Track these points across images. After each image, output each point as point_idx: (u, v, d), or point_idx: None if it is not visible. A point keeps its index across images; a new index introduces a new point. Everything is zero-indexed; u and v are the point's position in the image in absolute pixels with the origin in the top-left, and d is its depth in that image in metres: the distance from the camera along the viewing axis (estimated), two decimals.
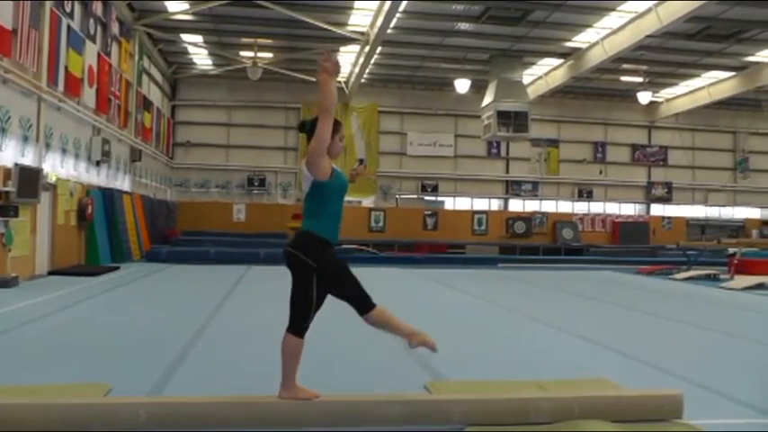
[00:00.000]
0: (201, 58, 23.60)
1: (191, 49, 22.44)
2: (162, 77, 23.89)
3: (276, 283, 12.42)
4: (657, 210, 29.88)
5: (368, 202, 27.30)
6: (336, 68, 3.54)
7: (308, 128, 3.80)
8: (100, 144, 15.24)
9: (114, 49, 16.88)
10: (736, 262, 16.03)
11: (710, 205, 30.56)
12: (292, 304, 3.74)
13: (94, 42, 14.97)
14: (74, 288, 10.22)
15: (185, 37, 21.09)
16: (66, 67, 12.91)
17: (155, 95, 22.32)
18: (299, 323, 3.72)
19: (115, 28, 16.84)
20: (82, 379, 4.37)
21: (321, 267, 3.65)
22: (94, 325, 7.06)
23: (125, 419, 3.33)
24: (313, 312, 3.75)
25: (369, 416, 3.53)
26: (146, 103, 20.35)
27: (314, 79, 24.54)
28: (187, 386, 4.34)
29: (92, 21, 14.85)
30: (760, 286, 13.17)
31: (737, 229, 29.53)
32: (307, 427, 3.43)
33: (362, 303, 3.78)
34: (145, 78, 20.56)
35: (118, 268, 13.80)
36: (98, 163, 15.56)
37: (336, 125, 3.77)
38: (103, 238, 15.05)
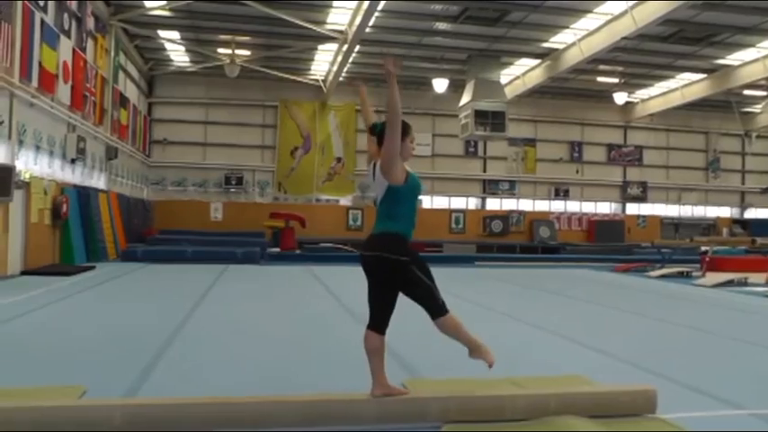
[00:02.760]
0: (179, 54, 23.40)
1: (168, 45, 22.23)
2: (138, 74, 23.64)
3: (253, 282, 12.43)
4: (633, 209, 30.26)
5: (345, 200, 27.28)
6: (398, 67, 3.62)
7: (378, 130, 3.86)
8: (75, 141, 15.05)
9: (90, 44, 16.69)
10: (707, 260, 16.31)
11: (684, 204, 31.03)
12: (375, 303, 3.82)
13: (69, 38, 14.78)
14: (48, 288, 10.09)
15: (162, 33, 20.88)
16: (39, 63, 12.73)
17: (131, 92, 22.09)
18: (381, 321, 3.78)
19: (90, 23, 16.64)
20: (56, 381, 4.33)
21: (414, 260, 3.73)
22: (69, 326, 6.99)
23: (100, 422, 3.29)
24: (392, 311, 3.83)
25: (346, 415, 3.54)
26: (122, 100, 20.13)
27: (292, 77, 24.52)
28: (164, 387, 4.31)
29: (66, 15, 14.67)
30: (730, 283, 13.43)
31: (709, 228, 30.04)
32: (283, 426, 3.43)
33: (437, 308, 3.74)
34: (121, 75, 20.34)
35: (93, 268, 13.65)
36: (73, 161, 15.37)
37: (406, 127, 3.80)
38: (78, 237, 14.88)
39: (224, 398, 3.61)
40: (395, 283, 3.73)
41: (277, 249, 21.00)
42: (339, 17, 18.45)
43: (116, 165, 19.78)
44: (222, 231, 23.01)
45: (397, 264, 3.67)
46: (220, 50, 22.12)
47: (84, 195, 15.50)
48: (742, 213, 31.64)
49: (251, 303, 9.15)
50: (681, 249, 20.12)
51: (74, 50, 14.94)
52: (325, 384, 4.44)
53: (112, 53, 18.77)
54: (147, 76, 24.87)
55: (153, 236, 21.08)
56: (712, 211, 31.39)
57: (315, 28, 18.68)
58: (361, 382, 3.85)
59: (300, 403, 3.55)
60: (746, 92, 25.82)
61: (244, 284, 11.97)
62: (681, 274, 15.76)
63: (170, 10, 18.46)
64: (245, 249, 17.82)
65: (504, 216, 27.88)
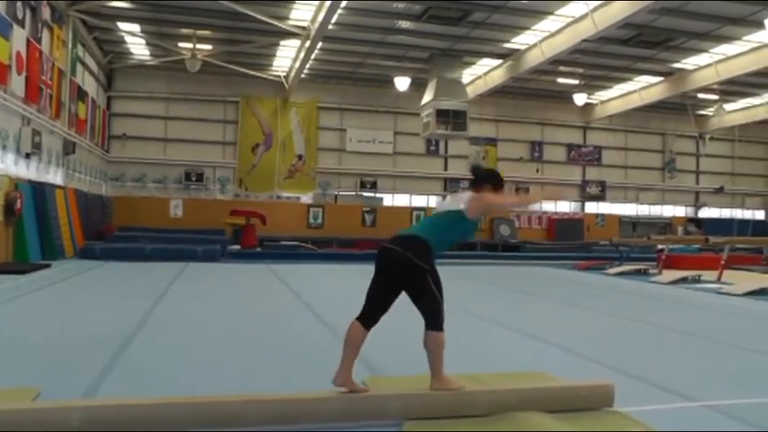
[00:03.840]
0: (139, 47, 22.99)
1: (127, 38, 21.82)
2: (97, 67, 23.15)
3: (214, 280, 12.30)
4: (592, 207, 30.78)
5: (306, 198, 27.16)
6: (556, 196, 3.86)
7: (480, 174, 3.99)
8: (30, 135, 14.66)
9: (45, 35, 16.26)
10: (663, 257, 16.70)
11: (641, 203, 31.73)
12: (374, 298, 3.96)
13: (23, 27, 14.35)
14: (0, 287, 9.83)
15: (122, 25, 20.48)
16: None
17: (90, 85, 21.61)
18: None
19: (46, 13, 16.23)
20: (7, 383, 4.18)
21: (432, 272, 3.83)
22: (22, 326, 6.78)
23: (57, 425, 3.18)
24: (381, 304, 3.97)
25: (306, 413, 3.53)
26: (80, 94, 19.68)
27: (254, 73, 24.31)
28: (123, 388, 4.21)
29: (19, 4, 14.20)
30: (684, 280, 13.76)
31: (665, 227, 30.74)
32: (245, 426, 3.40)
33: (435, 321, 3.84)
34: (79, 67, 19.88)
35: (49, 266, 13.31)
36: (28, 155, 14.96)
37: (502, 183, 4.02)
38: (33, 234, 14.51)
39: (185, 398, 3.56)
40: (407, 285, 3.83)
41: (238, 247, 20.81)
42: (302, 13, 18.37)
43: (74, 160, 19.35)
44: (182, 228, 22.68)
45: (418, 269, 3.76)
46: (181, 45, 21.81)
47: (40, 191, 15.12)
48: (696, 213, 32.47)
49: (211, 302, 9.06)
50: (638, 247, 20.59)
51: (28, 41, 14.54)
52: (286, 383, 4.43)
53: (70, 45, 18.34)
54: (106, 69, 24.38)
55: (112, 233, 20.70)
56: (668, 211, 32.16)
57: (277, 23, 18.55)
58: (322, 379, 3.84)
59: (262, 402, 3.53)
60: (700, 95, 26.53)
61: (204, 283, 11.84)
62: (638, 272, 16.09)
63: (130, 2, 18.14)
64: (206, 247, 17.62)
65: None
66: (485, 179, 3.98)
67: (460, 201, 3.94)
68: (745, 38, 19.38)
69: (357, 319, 3.91)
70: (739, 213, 32.71)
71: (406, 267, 3.79)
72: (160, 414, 3.34)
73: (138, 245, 17.66)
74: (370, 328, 3.91)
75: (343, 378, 3.72)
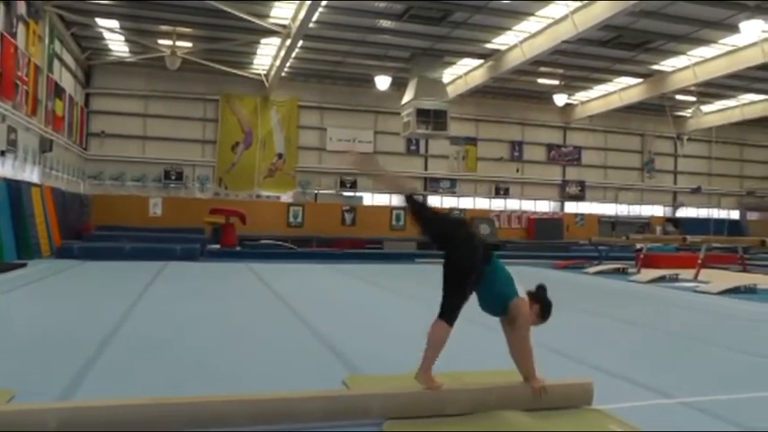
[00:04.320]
0: (118, 44, 22.74)
1: (106, 34, 21.57)
2: (75, 63, 22.86)
3: (193, 280, 12.22)
4: (571, 207, 31.02)
5: (286, 197, 27.05)
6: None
7: (542, 296, 4.13)
8: (5, 132, 14.44)
9: (21, 30, 16.03)
10: (642, 257, 16.87)
11: (620, 203, 32.04)
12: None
13: None
14: None
15: (100, 21, 20.23)
16: None
17: (67, 82, 21.34)
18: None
19: (22, 8, 15.99)
20: None
21: (478, 274, 4.04)
22: None
23: (33, 427, 3.14)
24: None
25: (288, 413, 3.51)
26: (57, 90, 19.43)
27: (234, 71, 24.18)
28: (100, 389, 4.16)
29: None
30: (662, 279, 13.90)
31: (644, 226, 31.07)
32: (226, 426, 3.38)
33: (450, 312, 4.02)
34: (56, 64, 19.62)
35: (24, 265, 13.12)
36: (3, 153, 14.74)
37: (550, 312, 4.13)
38: (8, 233, 14.30)
39: (164, 398, 3.53)
40: (454, 261, 4.07)
41: (217, 246, 20.69)
42: (282, 11, 18.29)
43: (51, 158, 19.09)
44: (161, 227, 22.53)
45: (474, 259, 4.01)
46: (161, 42, 21.62)
47: (16, 189, 14.90)
48: (674, 212, 32.87)
49: (191, 302, 8.99)
50: (617, 247, 20.78)
51: (2, 36, 14.32)
52: (267, 383, 4.41)
53: (47, 40, 18.09)
54: (84, 65, 24.09)
55: (90, 232, 20.48)
56: (647, 210, 32.53)
57: (258, 21, 18.46)
58: (303, 378, 3.83)
59: (243, 402, 3.50)
60: (678, 97, 26.85)
61: (183, 282, 11.75)
62: (617, 271, 16.21)
63: None
64: (185, 246, 17.49)
65: (446, 214, 28.10)
66: (540, 301, 4.09)
67: (522, 294, 4.03)
68: (721, 41, 19.65)
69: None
70: (715, 213, 33.14)
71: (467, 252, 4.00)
72: (138, 415, 3.30)
73: (117, 244, 17.49)
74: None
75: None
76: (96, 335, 5.99)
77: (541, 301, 4.05)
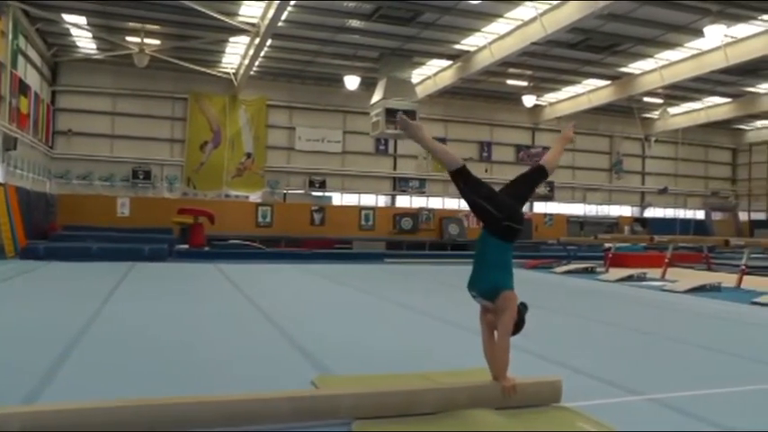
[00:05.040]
0: (85, 41, 22.35)
1: (73, 30, 21.17)
2: (41, 60, 22.41)
3: (161, 280, 12.08)
4: (540, 207, 31.29)
5: (255, 197, 26.85)
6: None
7: (519, 312, 4.09)
8: None
9: None
10: (610, 256, 17.11)
11: (589, 203, 32.45)
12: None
13: None
14: None
15: (67, 17, 19.84)
16: None
17: (32, 79, 20.90)
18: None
19: None
20: None
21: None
22: None
23: None
24: None
25: (256, 414, 3.49)
26: (22, 87, 19.01)
27: (203, 69, 23.96)
28: (68, 392, 4.09)
29: None
30: (630, 278, 14.09)
31: (612, 226, 31.49)
32: (194, 427, 3.34)
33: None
34: (21, 60, 19.20)
35: None
36: None
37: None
38: None
39: (130, 400, 3.49)
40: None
41: (186, 246, 20.48)
42: (251, 9, 18.16)
43: (15, 156, 18.67)
44: (129, 227, 22.21)
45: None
46: (129, 39, 21.31)
47: None
48: (642, 212, 33.41)
49: (158, 302, 8.89)
50: (586, 246, 21.04)
51: None
52: (235, 384, 4.38)
53: (10, 36, 17.68)
54: (50, 62, 23.63)
55: (56, 232, 20.09)
56: (615, 210, 32.99)
57: (226, 20, 18.31)
58: (272, 379, 3.81)
59: (211, 404, 3.46)
60: (646, 99, 27.27)
61: (151, 283, 11.61)
62: (586, 270, 16.37)
63: None
64: (153, 246, 17.27)
65: (414, 214, 28.25)
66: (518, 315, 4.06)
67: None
68: (686, 45, 20.02)
69: None
70: (682, 213, 33.78)
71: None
72: (103, 417, 3.25)
73: (84, 244, 17.19)
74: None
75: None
76: (63, 336, 5.89)
77: (518, 316, 4.04)
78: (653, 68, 22.49)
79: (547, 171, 4.38)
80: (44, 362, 4.90)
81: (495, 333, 4.03)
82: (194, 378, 4.61)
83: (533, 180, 4.35)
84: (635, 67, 22.85)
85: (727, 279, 12.88)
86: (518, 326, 4.04)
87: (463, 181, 4.08)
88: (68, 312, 7.48)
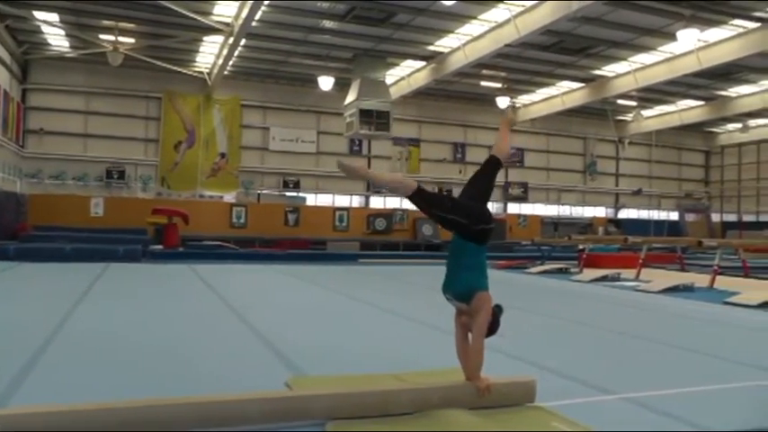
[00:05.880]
0: (57, 38, 21.98)
1: (45, 28, 20.81)
2: (11, 57, 22.00)
3: (135, 281, 11.94)
4: (514, 208, 31.47)
5: (229, 197, 26.66)
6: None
7: (494, 313, 4.10)
8: None
9: None
10: (584, 257, 17.25)
11: (563, 204, 32.72)
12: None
13: None
14: None
15: (38, 14, 19.47)
16: None
17: (2, 77, 20.54)
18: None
19: None
20: None
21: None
22: None
23: None
24: None
25: (229, 416, 3.46)
26: None
27: (177, 69, 23.76)
28: (39, 395, 4.03)
29: None
30: (604, 278, 14.23)
31: (586, 227, 31.75)
32: (166, 428, 3.30)
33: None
34: None
35: None
36: None
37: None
38: None
39: (101, 403, 3.43)
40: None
41: (160, 247, 20.27)
42: (225, 9, 18.03)
43: None
44: (103, 228, 21.91)
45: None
46: (103, 37, 21.01)
47: None
48: (616, 213, 33.76)
49: (133, 304, 8.79)
50: (560, 247, 21.20)
51: None
52: (209, 386, 4.33)
53: None
54: (20, 60, 23.21)
55: (27, 232, 19.77)
56: (589, 211, 33.29)
57: (200, 19, 18.16)
58: (246, 380, 3.78)
59: (183, 405, 3.43)
60: (620, 101, 27.58)
61: (125, 284, 11.48)
62: (560, 271, 16.51)
63: None
64: (127, 247, 17.09)
65: (388, 214, 28.26)
66: (492, 316, 4.08)
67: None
68: (660, 48, 20.27)
69: None
70: (656, 214, 34.19)
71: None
72: (74, 420, 3.21)
73: (57, 245, 16.94)
74: None
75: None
76: (34, 338, 5.80)
77: (493, 317, 4.04)
78: (627, 71, 22.74)
79: (500, 160, 4.36)
80: (15, 364, 4.82)
81: (470, 335, 4.03)
82: (167, 380, 4.56)
83: (490, 173, 4.33)
84: (609, 69, 23.09)
85: (700, 279, 13.08)
86: (492, 327, 4.04)
87: (424, 201, 4.06)
88: (40, 314, 7.37)
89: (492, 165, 4.34)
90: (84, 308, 8.07)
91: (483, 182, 4.31)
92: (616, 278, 14.28)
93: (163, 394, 3.77)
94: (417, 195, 3.99)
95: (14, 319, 7.06)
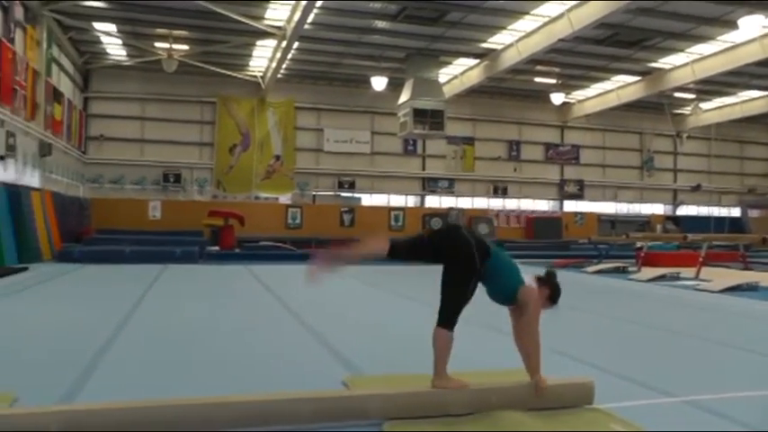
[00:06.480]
0: (115, 48, 22.74)
1: (103, 38, 21.57)
2: (73, 67, 22.86)
3: (193, 282, 12.22)
4: (570, 206, 30.99)
5: (285, 198, 27.04)
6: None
7: (552, 281, 4.14)
8: (4, 137, 14.41)
9: (19, 35, 16.03)
10: (642, 255, 16.85)
11: (620, 201, 32.02)
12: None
13: None
14: None
15: (97, 25, 20.24)
16: None
17: (65, 86, 21.33)
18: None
19: (19, 13, 16.00)
20: None
21: (477, 273, 3.98)
22: None
23: (34, 429, 3.12)
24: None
25: (287, 414, 3.50)
26: (56, 95, 19.41)
27: (230, 73, 24.20)
28: (102, 392, 4.14)
29: None
30: (663, 277, 13.88)
31: (644, 224, 31.01)
32: (225, 427, 3.37)
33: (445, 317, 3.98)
34: (54, 68, 19.61)
35: (26, 269, 13.15)
36: (2, 158, 14.72)
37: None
38: (9, 237, 14.29)
39: (165, 400, 3.53)
40: (451, 263, 4.03)
41: (216, 248, 20.68)
42: (277, 13, 18.28)
43: (50, 162, 19.06)
44: (161, 230, 22.49)
45: (471, 257, 3.96)
46: (158, 45, 21.61)
47: (15, 194, 14.90)
48: (674, 210, 32.84)
49: (191, 303, 8.99)
50: (617, 245, 20.75)
51: (0, 41, 14.32)
52: (266, 384, 4.39)
53: (45, 45, 18.08)
54: (82, 69, 24.08)
55: (90, 235, 20.45)
56: (647, 209, 32.49)
57: (253, 23, 18.47)
58: (304, 379, 3.82)
59: (242, 404, 3.49)
60: (677, 94, 26.83)
61: (183, 284, 11.76)
62: (617, 270, 16.17)
63: (105, 1, 17.94)
64: (184, 248, 17.49)
65: (444, 213, 28.17)
66: (550, 285, 4.08)
67: (528, 281, 4.05)
68: (719, 38, 19.64)
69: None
70: (716, 211, 33.14)
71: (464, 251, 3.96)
72: (138, 417, 3.30)
73: (117, 247, 17.49)
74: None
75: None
76: (98, 338, 5.99)
77: (551, 285, 4.06)
78: (684, 63, 22.10)
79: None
80: (81, 362, 4.98)
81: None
82: (225, 378, 4.64)
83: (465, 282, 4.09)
84: (665, 62, 22.48)
85: (765, 278, 12.61)
86: (553, 296, 4.07)
87: (407, 251, 4.18)
88: (104, 313, 7.62)
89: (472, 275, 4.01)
90: (145, 307, 8.30)
91: (453, 287, 4.06)
92: (675, 277, 13.92)
93: (221, 392, 3.83)
94: (394, 249, 4.04)
95: (80, 318, 7.31)
